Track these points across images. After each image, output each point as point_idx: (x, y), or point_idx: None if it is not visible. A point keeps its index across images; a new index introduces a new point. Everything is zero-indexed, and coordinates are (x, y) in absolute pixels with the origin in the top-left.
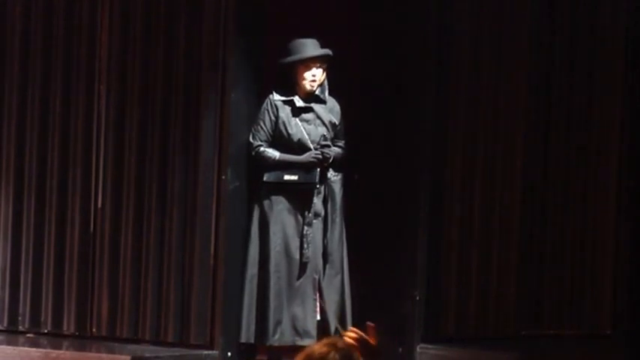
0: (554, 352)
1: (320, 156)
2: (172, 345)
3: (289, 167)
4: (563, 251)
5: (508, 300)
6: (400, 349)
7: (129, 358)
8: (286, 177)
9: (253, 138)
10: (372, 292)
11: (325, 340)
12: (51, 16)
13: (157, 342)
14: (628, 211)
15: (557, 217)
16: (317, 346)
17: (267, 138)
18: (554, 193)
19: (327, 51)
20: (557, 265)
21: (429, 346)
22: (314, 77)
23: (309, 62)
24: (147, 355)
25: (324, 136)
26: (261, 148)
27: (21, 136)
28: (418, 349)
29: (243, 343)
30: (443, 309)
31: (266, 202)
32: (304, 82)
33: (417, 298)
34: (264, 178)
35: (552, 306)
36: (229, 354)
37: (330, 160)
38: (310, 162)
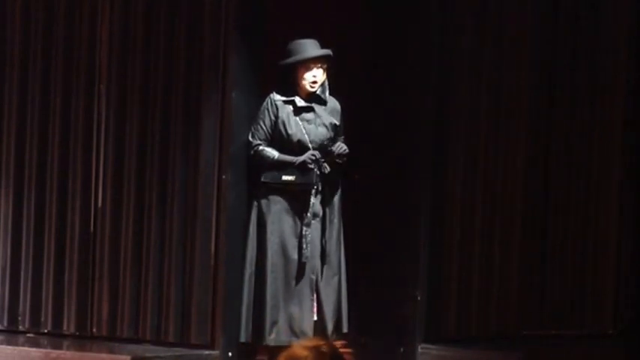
0: (556, 352)
1: (313, 157)
2: (173, 345)
3: (287, 167)
4: (564, 251)
5: (510, 300)
6: (402, 350)
7: (129, 358)
8: (284, 177)
9: (252, 137)
10: (374, 292)
11: (309, 343)
12: (51, 16)
13: (157, 342)
14: (630, 211)
15: (558, 217)
16: (298, 349)
17: (267, 137)
18: (556, 193)
19: (327, 51)
20: (558, 265)
21: (431, 347)
22: (314, 78)
23: (309, 63)
24: (147, 355)
25: (330, 138)
26: (260, 147)
27: (21, 136)
28: (420, 350)
29: (243, 343)
30: (444, 309)
31: (264, 202)
32: (305, 83)
33: (419, 298)
34: (262, 179)
35: (554, 306)
36: (230, 354)
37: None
38: (305, 162)
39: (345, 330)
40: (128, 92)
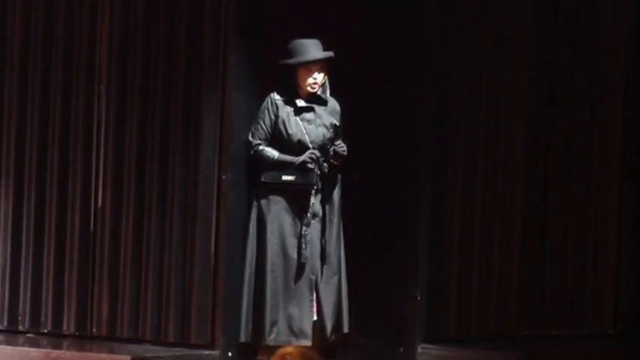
0: (556, 352)
1: (313, 156)
2: (173, 345)
3: (287, 167)
4: (564, 251)
5: (509, 300)
6: (402, 350)
7: (129, 358)
8: (284, 177)
9: (252, 136)
10: (374, 292)
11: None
12: (51, 16)
13: (157, 342)
14: (630, 211)
15: (558, 217)
16: (294, 349)
17: (267, 137)
18: (556, 193)
19: (328, 54)
20: (558, 265)
21: (431, 347)
22: (315, 80)
23: (310, 65)
24: (147, 355)
25: (330, 138)
26: (260, 147)
27: (21, 136)
28: (419, 350)
29: (243, 343)
30: (444, 309)
31: (264, 202)
32: (305, 84)
33: (419, 298)
34: (262, 179)
35: (554, 306)
36: (230, 354)
37: (341, 156)
38: (305, 162)
39: (345, 330)
40: (128, 92)
